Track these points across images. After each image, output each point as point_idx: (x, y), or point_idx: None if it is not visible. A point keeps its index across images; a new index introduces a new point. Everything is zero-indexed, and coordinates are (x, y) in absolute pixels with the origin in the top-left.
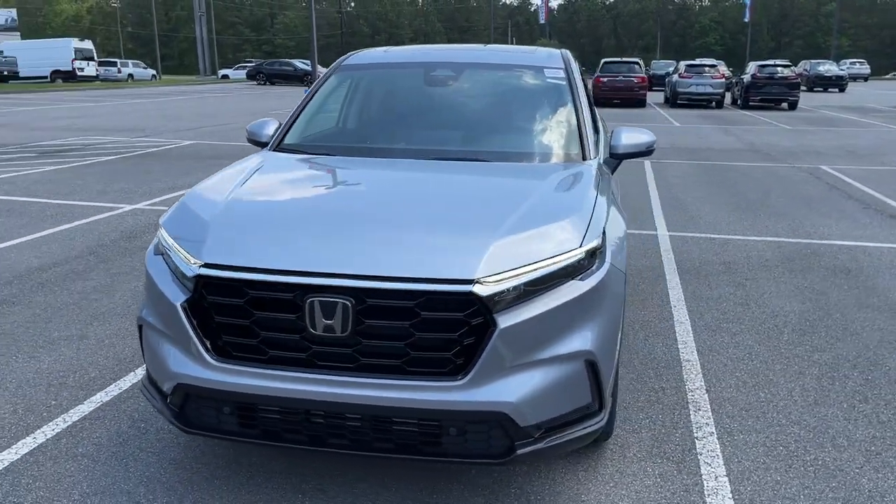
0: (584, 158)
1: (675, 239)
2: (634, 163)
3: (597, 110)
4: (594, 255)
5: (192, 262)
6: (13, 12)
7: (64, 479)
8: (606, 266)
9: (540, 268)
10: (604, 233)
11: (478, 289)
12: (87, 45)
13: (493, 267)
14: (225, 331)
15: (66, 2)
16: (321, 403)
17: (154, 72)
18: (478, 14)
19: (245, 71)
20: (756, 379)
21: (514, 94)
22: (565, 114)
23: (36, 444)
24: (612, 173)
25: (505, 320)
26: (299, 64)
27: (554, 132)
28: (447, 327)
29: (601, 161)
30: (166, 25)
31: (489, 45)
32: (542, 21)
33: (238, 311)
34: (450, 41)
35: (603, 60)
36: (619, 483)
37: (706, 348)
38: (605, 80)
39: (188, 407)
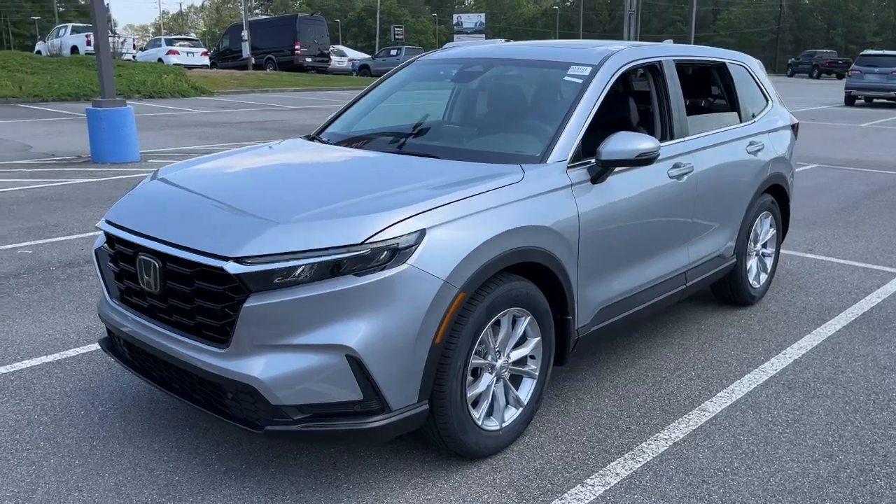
0: (543, 160)
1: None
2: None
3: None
4: (385, 253)
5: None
6: (482, 17)
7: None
8: (403, 268)
9: (307, 256)
10: (421, 233)
11: (230, 266)
12: None
13: (260, 248)
14: (111, 277)
15: (526, 5)
16: (156, 350)
17: None
18: None
19: None
20: None
21: (521, 92)
22: (556, 112)
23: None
24: (595, 181)
25: (255, 300)
26: None
27: (528, 131)
28: (214, 298)
29: (568, 165)
30: (609, 25)
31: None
32: None
33: (113, 261)
34: None
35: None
36: None
37: None
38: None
39: (112, 340)
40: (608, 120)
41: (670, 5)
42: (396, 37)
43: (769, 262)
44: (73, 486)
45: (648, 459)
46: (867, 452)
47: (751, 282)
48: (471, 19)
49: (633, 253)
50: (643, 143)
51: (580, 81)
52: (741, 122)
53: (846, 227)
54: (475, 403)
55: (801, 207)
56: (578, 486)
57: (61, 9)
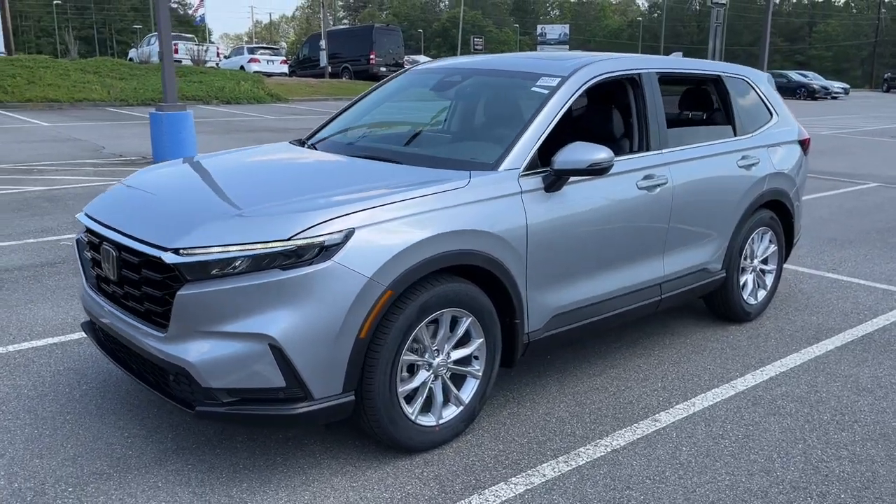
0: (495, 168)
1: None
2: None
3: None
4: (312, 250)
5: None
6: (566, 28)
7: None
8: (327, 265)
9: (236, 249)
10: (350, 232)
11: (167, 256)
12: None
13: (195, 241)
14: (88, 265)
15: (612, 16)
16: (117, 334)
17: None
18: None
19: None
20: None
21: (490, 101)
22: (517, 121)
23: None
24: (549, 190)
25: (188, 288)
26: (794, 76)
27: (489, 139)
28: (157, 286)
29: (521, 173)
30: (697, 37)
31: (550, 53)
32: None
33: (87, 249)
34: None
35: None
36: None
37: None
38: None
39: (93, 324)
40: (578, 130)
41: (762, 17)
42: (476, 47)
43: (769, 279)
44: (37, 453)
45: (580, 463)
46: (808, 471)
47: (745, 298)
48: (554, 30)
49: (594, 262)
50: (596, 153)
51: (546, 92)
52: (736, 135)
53: (883, 249)
54: (410, 398)
55: (842, 225)
56: (502, 483)
57: None
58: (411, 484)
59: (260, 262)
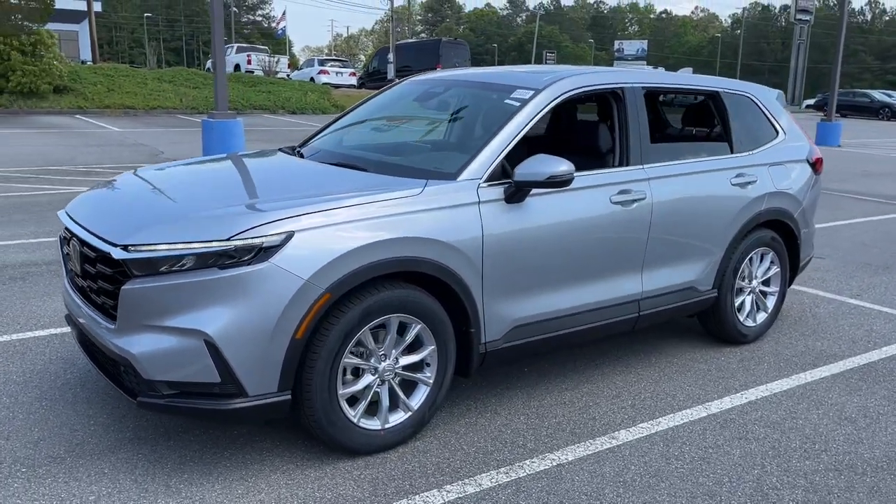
0: (454, 177)
1: None
2: None
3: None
4: (250, 251)
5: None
6: (644, 44)
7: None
8: (263, 265)
9: (179, 248)
10: (289, 235)
11: (116, 252)
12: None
13: (142, 239)
14: (66, 260)
15: (691, 33)
16: (84, 325)
17: None
18: None
19: (815, 100)
20: None
21: (465, 113)
22: (484, 132)
23: None
24: (512, 201)
25: (132, 283)
26: (878, 95)
27: (456, 149)
28: (109, 280)
29: (482, 183)
30: (781, 54)
31: (539, 67)
32: None
33: (66, 245)
34: None
35: None
36: None
37: None
38: None
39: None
40: (556, 143)
41: (852, 34)
42: (547, 61)
43: (771, 301)
44: (4, 435)
45: (521, 476)
46: (756, 498)
47: (741, 319)
48: (632, 46)
49: (560, 275)
50: (556, 166)
51: (517, 104)
52: (733, 153)
53: None
54: (355, 401)
55: (881, 251)
56: (435, 490)
57: (246, 30)
58: (345, 485)
59: (200, 261)
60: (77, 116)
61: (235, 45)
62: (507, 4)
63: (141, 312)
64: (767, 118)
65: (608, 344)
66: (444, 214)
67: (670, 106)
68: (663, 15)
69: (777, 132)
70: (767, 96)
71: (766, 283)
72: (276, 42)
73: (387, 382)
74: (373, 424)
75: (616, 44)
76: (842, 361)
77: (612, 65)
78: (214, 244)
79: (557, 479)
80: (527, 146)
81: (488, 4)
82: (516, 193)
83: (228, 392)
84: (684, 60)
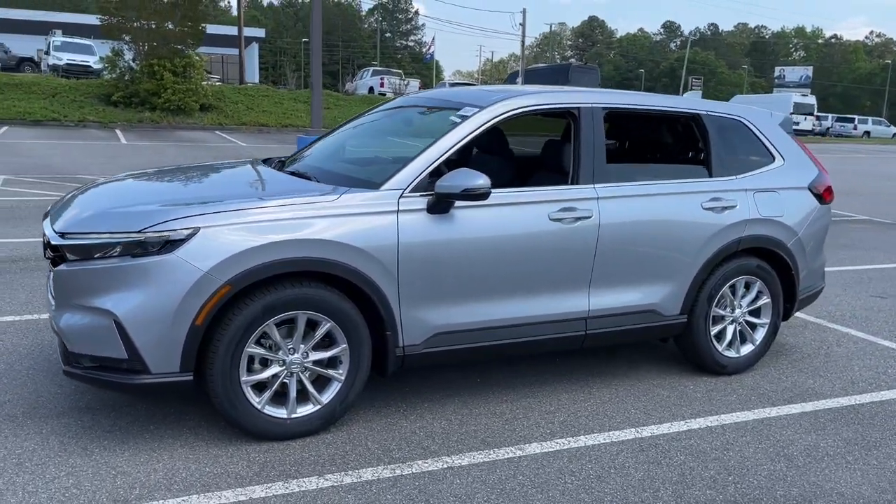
0: (378, 187)
1: None
2: None
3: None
4: (158, 243)
5: None
6: (808, 70)
7: None
8: (168, 256)
9: (101, 237)
10: (195, 231)
11: (55, 239)
12: (810, 100)
13: (72, 228)
14: None
15: (863, 59)
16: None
17: None
18: None
19: None
20: None
21: (416, 128)
22: (422, 146)
23: None
24: (434, 212)
25: (63, 266)
26: None
27: (394, 161)
28: (55, 264)
29: (404, 193)
30: None
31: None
32: None
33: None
34: None
35: None
36: None
37: None
38: None
39: None
40: (504, 160)
41: None
42: (693, 87)
43: (760, 333)
44: None
45: (405, 473)
46: None
47: (720, 349)
48: (795, 73)
49: (489, 287)
50: (473, 180)
51: (459, 121)
52: (711, 176)
53: None
54: (261, 388)
55: None
56: (314, 476)
57: (398, 55)
58: (237, 464)
59: (124, 249)
60: (216, 132)
61: (371, 69)
62: (661, 29)
63: (69, 292)
64: (762, 143)
65: (578, 359)
66: (357, 220)
67: (648, 128)
68: (832, 40)
69: (773, 157)
70: (765, 121)
71: (756, 314)
72: (425, 67)
73: (295, 375)
74: (279, 413)
75: (777, 70)
76: (823, 401)
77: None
78: (128, 235)
79: (437, 480)
80: (485, 161)
81: (641, 29)
82: (437, 205)
83: (135, 368)
84: (853, 88)
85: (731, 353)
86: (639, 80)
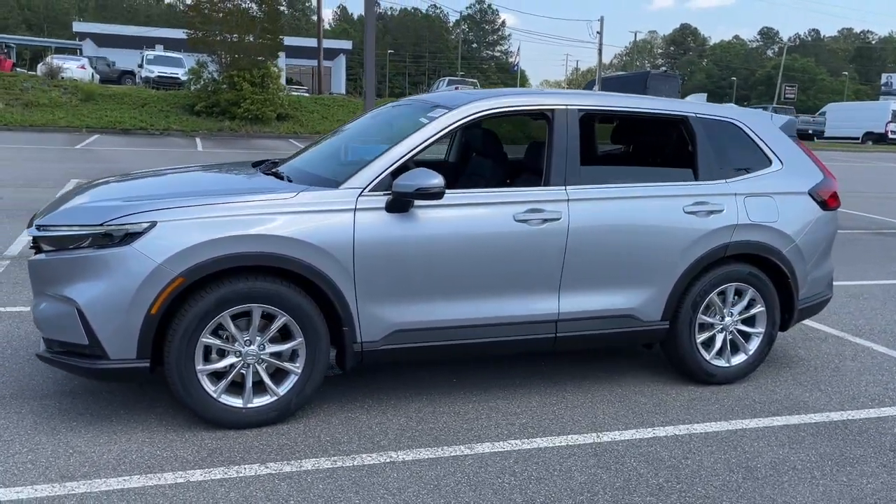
0: (338, 185)
1: None
2: None
3: None
4: (117, 236)
5: None
6: None
7: None
8: (125, 248)
9: (70, 229)
10: (152, 224)
11: (32, 232)
12: None
13: (46, 221)
14: None
15: None
16: None
17: None
18: None
19: None
20: None
21: (389, 129)
22: (388, 146)
23: None
24: (392, 211)
25: (36, 257)
26: None
27: (360, 161)
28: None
29: (363, 192)
30: None
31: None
32: None
33: None
34: None
35: None
36: None
37: None
38: None
39: None
40: (476, 161)
41: None
42: (786, 96)
43: (754, 343)
44: None
45: (345, 465)
46: None
47: (707, 357)
48: None
49: (453, 286)
50: (426, 180)
51: (426, 122)
52: (697, 180)
53: None
54: (218, 377)
55: None
56: (257, 464)
57: (484, 66)
58: (187, 449)
59: (81, 241)
60: (290, 140)
61: (447, 79)
62: (758, 36)
63: (41, 281)
64: (758, 146)
65: (561, 363)
66: (313, 218)
67: (633, 130)
68: None
69: (770, 161)
70: (763, 123)
71: (750, 322)
72: (510, 76)
73: (251, 366)
74: (235, 402)
75: (883, 77)
76: (812, 414)
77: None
78: (91, 228)
79: (373, 474)
80: (480, 163)
81: (737, 37)
82: (395, 203)
83: (96, 354)
84: None
85: (721, 363)
86: (732, 88)
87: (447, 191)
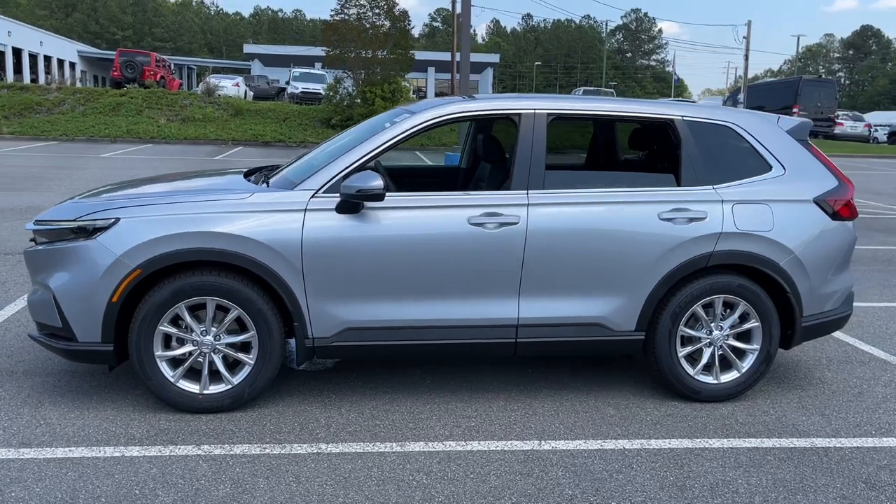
0: (293, 187)
1: None
2: None
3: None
4: (86, 230)
5: None
6: None
7: None
8: (90, 242)
9: (53, 224)
10: (115, 220)
11: (30, 226)
12: None
13: (42, 216)
14: None
15: None
16: None
17: None
18: None
19: None
20: None
21: (362, 133)
22: (348, 149)
23: None
24: (342, 211)
25: (27, 248)
26: None
27: (323, 165)
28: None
29: (316, 194)
30: None
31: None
32: None
33: None
34: None
35: None
36: None
37: None
38: None
39: None
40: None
41: None
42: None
43: (748, 359)
44: None
45: (271, 452)
46: None
47: (691, 372)
48: None
49: (404, 287)
50: (367, 182)
51: (388, 126)
52: (680, 185)
53: None
54: (177, 364)
55: None
56: (192, 445)
57: (639, 75)
58: (140, 427)
59: (62, 234)
60: (415, 152)
61: (583, 88)
62: None
63: (31, 269)
64: (756, 151)
65: (543, 370)
66: (263, 217)
67: (611, 134)
68: None
69: (770, 167)
70: (765, 126)
71: (745, 338)
72: (667, 86)
73: (207, 355)
74: (192, 388)
75: None
76: (794, 439)
77: None
78: (67, 223)
79: (293, 462)
80: (480, 167)
81: None
82: (343, 204)
83: (67, 336)
84: None
85: (708, 379)
86: None
87: (397, 194)
